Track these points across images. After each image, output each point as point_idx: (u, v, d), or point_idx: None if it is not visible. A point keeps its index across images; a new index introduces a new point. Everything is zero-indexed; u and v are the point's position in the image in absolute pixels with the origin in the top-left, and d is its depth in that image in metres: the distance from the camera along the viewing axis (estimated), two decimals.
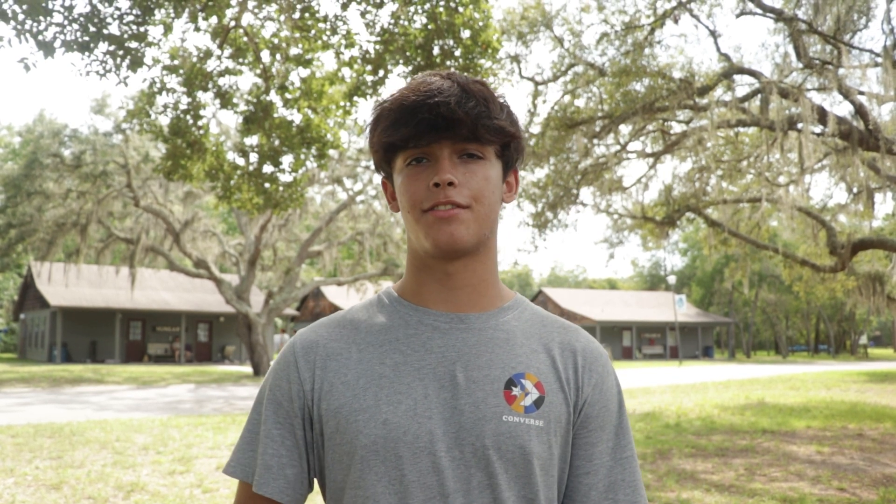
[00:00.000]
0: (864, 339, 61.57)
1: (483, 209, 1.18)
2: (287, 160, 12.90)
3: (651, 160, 17.71)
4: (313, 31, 10.95)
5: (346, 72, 11.88)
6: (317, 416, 1.18)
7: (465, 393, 1.15)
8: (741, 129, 17.13)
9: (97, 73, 8.78)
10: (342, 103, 12.18)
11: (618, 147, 17.02)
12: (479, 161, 1.18)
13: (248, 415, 1.26)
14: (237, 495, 1.24)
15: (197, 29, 10.55)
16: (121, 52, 8.73)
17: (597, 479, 1.21)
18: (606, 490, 1.21)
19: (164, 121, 12.82)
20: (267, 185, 12.93)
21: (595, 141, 16.00)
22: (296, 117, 12.56)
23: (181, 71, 11.74)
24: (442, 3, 9.95)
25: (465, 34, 10.10)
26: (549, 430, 1.16)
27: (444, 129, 1.14)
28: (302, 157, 12.69)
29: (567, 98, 16.08)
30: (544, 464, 1.16)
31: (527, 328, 1.26)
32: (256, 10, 11.39)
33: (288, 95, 12.30)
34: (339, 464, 1.16)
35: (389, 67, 10.77)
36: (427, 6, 10.03)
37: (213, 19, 11.11)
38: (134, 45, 8.84)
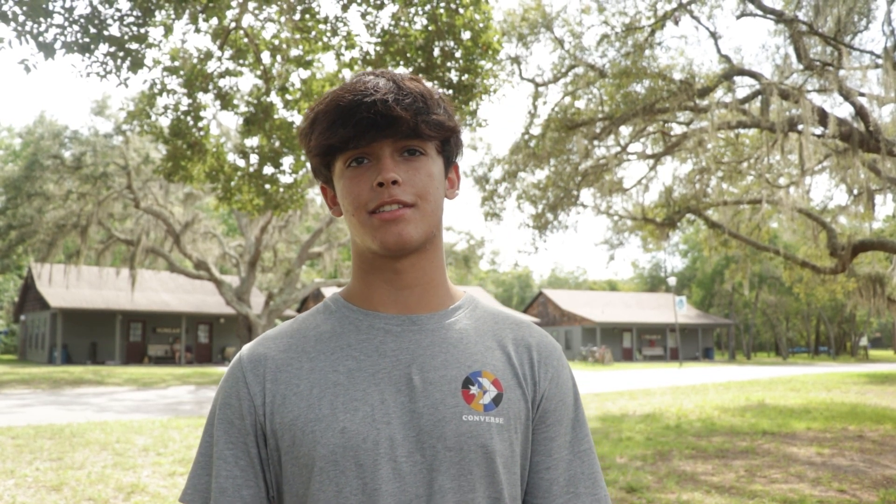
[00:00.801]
0: (864, 341, 61.55)
1: (429, 206, 1.16)
2: (287, 161, 12.90)
3: (651, 162, 17.71)
4: (314, 33, 10.95)
5: (346, 73, 11.88)
6: (270, 430, 1.14)
7: (422, 395, 1.13)
8: (741, 131, 17.13)
9: (98, 74, 8.78)
10: None
11: (618, 148, 17.02)
12: (420, 158, 1.17)
13: (201, 437, 1.21)
14: None
15: (197, 30, 10.55)
16: (121, 54, 8.73)
17: (557, 473, 1.20)
18: (567, 484, 1.20)
19: (165, 122, 12.85)
20: (267, 186, 12.93)
21: (595, 142, 16.01)
22: (296, 118, 12.56)
23: (182, 72, 11.74)
24: (442, 4, 9.96)
25: (466, 35, 10.10)
26: (509, 427, 1.15)
27: (383, 128, 1.12)
28: (302, 158, 12.69)
29: (567, 99, 16.09)
30: (507, 461, 1.14)
31: (479, 326, 1.24)
32: (257, 12, 11.39)
33: (288, 97, 12.30)
34: (297, 477, 1.12)
35: (390, 68, 10.76)
36: (427, 7, 10.03)
37: (214, 21, 11.11)
38: (134, 46, 8.85)
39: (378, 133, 1.12)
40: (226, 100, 12.33)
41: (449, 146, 1.23)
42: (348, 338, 1.19)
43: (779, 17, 13.65)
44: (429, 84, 1.20)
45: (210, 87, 12.05)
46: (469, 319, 1.24)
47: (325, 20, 10.72)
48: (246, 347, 1.23)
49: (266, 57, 12.17)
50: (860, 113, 13.03)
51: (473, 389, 1.15)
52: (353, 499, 1.09)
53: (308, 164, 13.08)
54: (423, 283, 1.21)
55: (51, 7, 7.68)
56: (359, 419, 1.11)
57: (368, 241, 1.16)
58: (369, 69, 1.23)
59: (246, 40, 11.73)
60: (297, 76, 12.50)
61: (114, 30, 8.52)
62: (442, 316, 1.22)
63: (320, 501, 1.10)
